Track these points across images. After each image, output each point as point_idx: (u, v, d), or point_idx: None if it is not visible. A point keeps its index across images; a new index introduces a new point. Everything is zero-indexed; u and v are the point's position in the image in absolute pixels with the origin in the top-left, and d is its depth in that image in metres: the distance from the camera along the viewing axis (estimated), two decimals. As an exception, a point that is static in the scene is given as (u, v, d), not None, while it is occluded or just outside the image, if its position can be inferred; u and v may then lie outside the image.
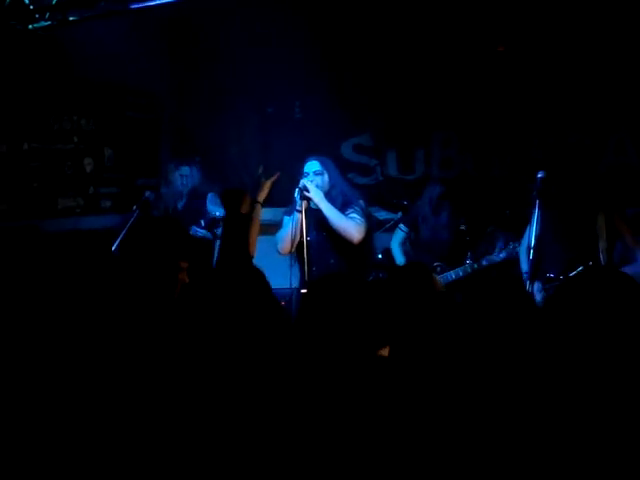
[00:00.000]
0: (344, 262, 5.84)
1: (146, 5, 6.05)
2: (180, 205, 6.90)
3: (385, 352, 2.94)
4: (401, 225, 6.78)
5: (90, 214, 7.89)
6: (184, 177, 6.87)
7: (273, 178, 5.63)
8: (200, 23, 7.84)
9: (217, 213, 6.57)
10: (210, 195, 6.76)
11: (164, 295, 3.24)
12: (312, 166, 5.94)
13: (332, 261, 5.82)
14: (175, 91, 8.71)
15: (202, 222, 6.60)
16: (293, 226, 5.72)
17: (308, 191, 5.69)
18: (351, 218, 5.79)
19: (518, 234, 6.11)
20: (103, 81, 7.84)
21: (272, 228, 7.31)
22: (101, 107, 7.96)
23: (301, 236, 5.69)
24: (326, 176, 5.93)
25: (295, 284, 5.90)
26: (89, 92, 7.80)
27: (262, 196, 5.34)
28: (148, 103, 8.49)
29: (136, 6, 6.11)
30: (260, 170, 5.29)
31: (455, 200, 6.51)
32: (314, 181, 5.82)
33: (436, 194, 6.56)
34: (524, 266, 5.71)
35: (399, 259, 6.67)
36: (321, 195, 5.74)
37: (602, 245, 5.54)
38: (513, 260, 6.09)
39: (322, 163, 5.97)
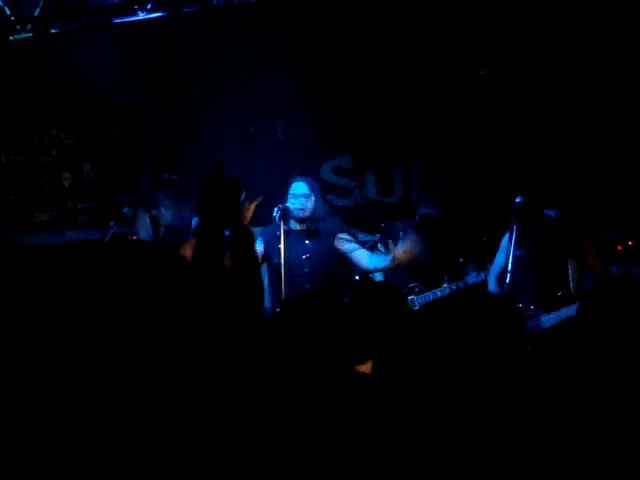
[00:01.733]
0: (321, 286, 5.82)
1: (129, 20, 6.03)
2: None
3: (366, 369, 2.94)
4: (379, 246, 6.78)
5: (67, 229, 7.84)
6: (155, 220, 6.73)
7: (256, 202, 5.57)
8: (183, 41, 7.84)
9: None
10: (195, 220, 6.65)
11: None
12: (300, 188, 5.89)
13: (307, 286, 5.78)
14: (157, 108, 8.70)
15: (189, 238, 6.51)
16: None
17: (348, 241, 5.77)
18: (355, 249, 5.89)
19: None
20: (84, 95, 7.82)
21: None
22: (81, 121, 7.93)
23: (278, 257, 5.66)
24: (313, 198, 5.91)
25: (270, 304, 5.88)
26: (69, 106, 7.78)
27: (247, 219, 5.30)
28: (129, 119, 8.47)
29: (119, 21, 6.09)
30: (242, 196, 5.25)
31: (448, 226, 6.56)
32: (303, 205, 5.80)
33: (432, 219, 6.60)
34: (493, 291, 5.71)
35: (378, 278, 6.66)
36: (354, 246, 5.83)
37: (572, 275, 5.55)
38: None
39: (309, 185, 5.94)
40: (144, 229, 6.58)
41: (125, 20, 6.10)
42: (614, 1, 6.75)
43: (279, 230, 5.67)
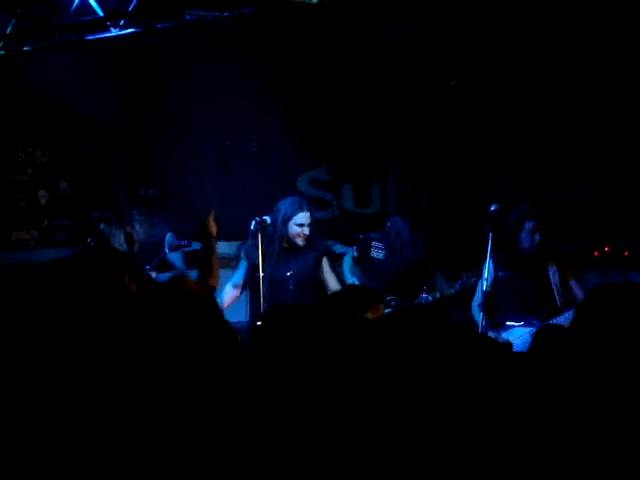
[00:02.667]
0: (300, 296, 5.82)
1: (102, 37, 6.04)
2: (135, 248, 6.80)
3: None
4: (352, 250, 6.74)
5: (44, 247, 7.81)
6: (130, 237, 6.70)
7: (212, 216, 5.55)
8: (157, 56, 7.85)
9: (170, 257, 6.51)
10: (169, 236, 6.62)
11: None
12: (306, 218, 5.86)
13: (291, 302, 5.77)
14: (131, 124, 8.70)
15: (166, 251, 6.49)
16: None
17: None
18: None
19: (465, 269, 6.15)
20: (58, 113, 7.81)
21: (228, 262, 7.30)
22: (55, 139, 7.91)
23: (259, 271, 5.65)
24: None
25: (249, 318, 5.87)
26: (43, 124, 7.76)
27: (214, 232, 5.32)
28: (103, 136, 8.46)
29: (91, 37, 6.09)
30: (212, 215, 5.29)
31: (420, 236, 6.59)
32: (308, 234, 5.84)
33: (402, 226, 6.60)
34: (479, 321, 5.67)
35: (349, 280, 6.61)
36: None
37: (557, 290, 5.58)
38: (465, 292, 6.11)
39: (312, 212, 5.95)
40: (118, 246, 6.56)
41: (98, 37, 6.10)
42: (580, 13, 6.81)
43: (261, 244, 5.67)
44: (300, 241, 5.81)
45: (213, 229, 5.20)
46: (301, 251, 5.85)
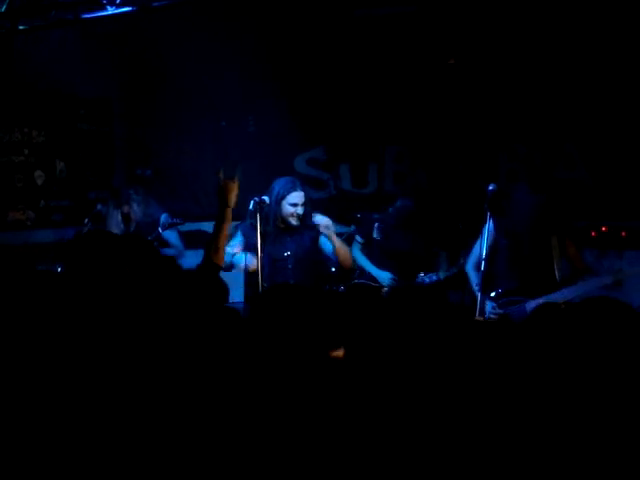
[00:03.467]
0: (304, 282, 5.82)
1: (97, 15, 6.01)
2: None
3: (340, 353, 2.96)
4: (357, 237, 6.77)
5: (41, 227, 7.79)
6: (127, 216, 6.68)
7: (235, 180, 5.39)
8: (154, 36, 7.81)
9: (165, 235, 6.51)
10: (163, 216, 6.59)
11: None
12: (299, 198, 5.83)
13: (291, 282, 5.77)
14: (129, 104, 8.66)
15: (159, 229, 6.47)
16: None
17: (329, 228, 5.76)
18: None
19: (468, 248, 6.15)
20: (54, 92, 7.77)
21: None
22: (52, 119, 7.88)
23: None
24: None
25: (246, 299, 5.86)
26: (39, 103, 7.72)
27: (232, 199, 5.11)
28: (100, 115, 8.43)
29: (87, 16, 6.06)
30: (221, 175, 5.09)
31: (423, 217, 6.60)
32: (301, 214, 5.80)
33: (405, 208, 6.62)
34: (474, 286, 5.70)
35: (365, 264, 6.63)
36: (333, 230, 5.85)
37: (557, 264, 5.58)
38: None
39: (305, 192, 5.92)
40: (116, 226, 6.55)
41: (94, 15, 6.07)
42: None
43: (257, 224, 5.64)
44: (294, 220, 5.78)
45: (231, 194, 4.98)
46: (297, 231, 5.84)
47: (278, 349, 2.60)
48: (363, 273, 6.65)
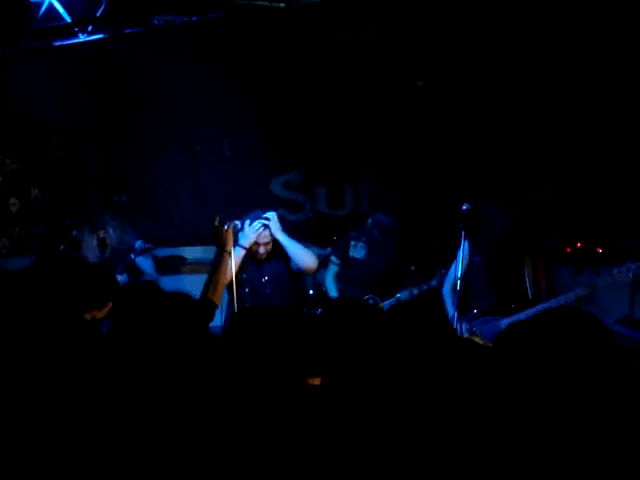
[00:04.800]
0: (278, 300, 5.78)
1: (70, 43, 6.00)
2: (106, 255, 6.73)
3: (316, 381, 2.95)
4: (332, 257, 6.76)
5: (16, 255, 7.74)
6: (102, 241, 6.63)
7: (231, 226, 5.48)
8: (127, 61, 7.82)
9: (138, 262, 6.46)
10: (138, 243, 6.54)
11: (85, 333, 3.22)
12: (264, 238, 5.74)
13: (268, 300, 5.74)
14: (103, 130, 8.64)
15: (132, 255, 6.43)
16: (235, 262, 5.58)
17: (269, 220, 5.62)
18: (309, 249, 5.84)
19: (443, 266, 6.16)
20: (27, 119, 7.74)
21: (202, 267, 7.25)
22: (26, 146, 7.85)
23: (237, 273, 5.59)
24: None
25: (224, 322, 5.84)
26: (13, 130, 7.70)
27: (229, 246, 5.23)
28: (74, 142, 8.40)
29: (60, 44, 6.05)
30: (217, 221, 5.20)
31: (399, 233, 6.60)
32: (267, 246, 5.73)
33: (384, 222, 6.62)
34: (449, 308, 5.70)
35: (333, 295, 6.65)
36: (280, 227, 5.69)
37: (530, 283, 5.60)
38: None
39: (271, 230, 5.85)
40: (91, 251, 6.50)
41: (66, 43, 6.07)
42: (548, 13, 6.85)
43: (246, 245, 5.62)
44: (260, 257, 5.73)
45: (229, 242, 5.08)
46: (273, 255, 5.82)
47: (251, 374, 2.59)
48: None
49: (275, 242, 5.72)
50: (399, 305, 6.14)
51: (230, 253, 5.22)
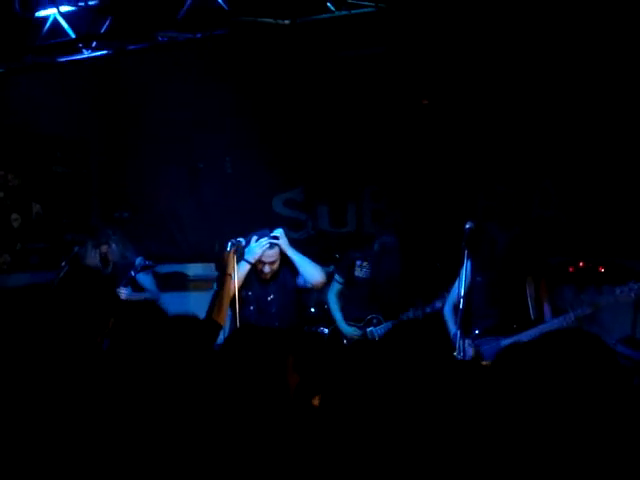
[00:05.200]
0: (282, 319, 5.78)
1: (73, 59, 6.00)
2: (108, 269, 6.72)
3: (316, 402, 2.94)
4: (336, 276, 6.74)
5: (18, 271, 7.72)
6: (105, 257, 6.62)
7: (234, 249, 5.52)
8: (131, 77, 7.83)
9: (139, 278, 6.46)
10: (138, 259, 6.54)
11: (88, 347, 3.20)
12: (268, 257, 5.75)
13: (276, 324, 5.72)
14: (106, 146, 8.66)
15: (132, 272, 6.41)
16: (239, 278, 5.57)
17: (277, 238, 5.64)
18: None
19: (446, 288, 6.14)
20: (30, 135, 7.75)
21: (203, 284, 7.24)
22: (27, 161, 7.86)
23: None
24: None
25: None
26: (15, 146, 7.70)
27: (230, 269, 5.27)
28: (76, 157, 8.41)
29: (64, 60, 6.06)
30: (217, 246, 5.28)
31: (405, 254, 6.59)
32: (274, 265, 5.74)
33: (390, 243, 6.61)
34: (451, 327, 5.66)
35: (335, 314, 6.62)
36: (288, 242, 5.72)
37: (532, 303, 5.58)
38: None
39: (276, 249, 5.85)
40: (93, 265, 6.48)
41: (70, 59, 6.07)
42: (548, 32, 6.87)
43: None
44: (265, 276, 5.74)
45: (230, 265, 5.16)
46: (277, 275, 5.81)
47: (244, 392, 2.59)
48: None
49: (281, 260, 5.72)
50: (401, 325, 6.11)
51: (232, 276, 5.25)
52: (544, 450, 2.17)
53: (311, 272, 5.73)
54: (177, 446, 2.52)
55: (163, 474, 2.45)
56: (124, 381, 2.85)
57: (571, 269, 7.20)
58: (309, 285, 5.81)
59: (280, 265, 5.76)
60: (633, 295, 5.22)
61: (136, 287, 6.46)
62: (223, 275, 5.08)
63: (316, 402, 3.02)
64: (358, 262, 6.62)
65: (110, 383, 2.87)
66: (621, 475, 2.12)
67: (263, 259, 5.66)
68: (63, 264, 6.67)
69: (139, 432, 2.59)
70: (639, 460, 2.13)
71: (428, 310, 6.28)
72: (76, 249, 6.78)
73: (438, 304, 6.19)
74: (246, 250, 5.59)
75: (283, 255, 5.73)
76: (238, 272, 5.40)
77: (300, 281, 5.77)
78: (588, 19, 6.55)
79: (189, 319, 3.19)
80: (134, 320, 3.33)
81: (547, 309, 5.60)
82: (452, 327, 5.63)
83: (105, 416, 2.67)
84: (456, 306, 5.48)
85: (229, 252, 5.28)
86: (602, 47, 6.88)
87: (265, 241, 5.57)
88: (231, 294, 5.28)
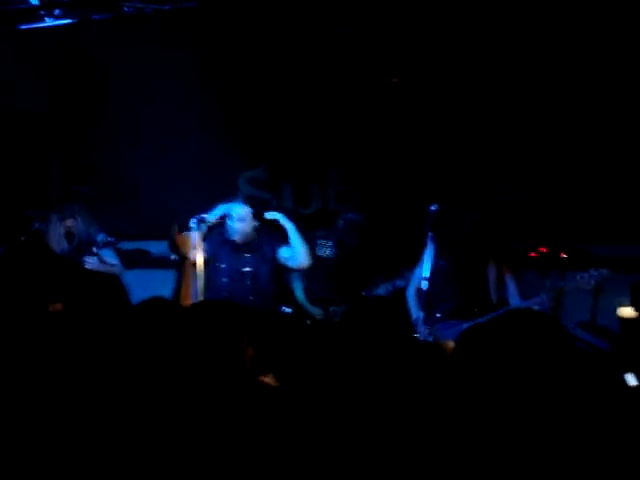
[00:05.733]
0: (264, 299, 5.78)
1: (34, 27, 5.88)
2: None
3: (270, 380, 2.93)
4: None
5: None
6: (69, 231, 6.50)
7: (195, 227, 5.47)
8: (95, 49, 7.71)
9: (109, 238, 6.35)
10: (101, 236, 6.43)
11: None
12: (240, 211, 5.77)
13: (251, 298, 5.72)
14: (67, 120, 8.50)
15: (94, 249, 6.29)
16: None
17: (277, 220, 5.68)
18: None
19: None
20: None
21: (168, 262, 7.16)
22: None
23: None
24: (252, 219, 5.81)
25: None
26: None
27: (188, 250, 5.20)
28: (38, 130, 8.25)
29: (25, 27, 5.94)
30: (175, 228, 5.16)
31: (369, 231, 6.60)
32: (243, 229, 5.71)
33: (354, 220, 6.61)
34: (414, 311, 5.69)
35: (298, 293, 6.60)
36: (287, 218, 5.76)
37: (493, 287, 5.60)
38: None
39: (248, 207, 5.85)
40: (57, 240, 6.32)
41: (31, 27, 5.95)
42: (516, 13, 6.89)
43: (221, 236, 5.59)
44: (240, 238, 5.74)
45: (185, 246, 5.08)
46: (257, 247, 5.80)
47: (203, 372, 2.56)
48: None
49: (260, 231, 5.73)
50: (361, 305, 6.12)
51: (193, 261, 5.17)
52: (503, 431, 2.17)
53: (303, 254, 5.79)
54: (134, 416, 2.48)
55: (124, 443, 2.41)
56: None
57: (533, 254, 7.24)
58: (294, 266, 5.85)
59: (259, 235, 5.75)
60: (593, 282, 5.28)
61: (101, 261, 6.36)
62: (182, 260, 4.97)
63: (267, 380, 3.00)
64: (320, 241, 6.61)
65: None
66: (580, 455, 2.12)
67: (238, 216, 5.67)
68: (22, 239, 6.55)
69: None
70: (596, 439, 2.14)
71: (393, 287, 6.29)
72: (36, 225, 6.65)
73: (400, 282, 6.21)
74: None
75: (263, 225, 5.74)
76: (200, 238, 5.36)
77: (285, 259, 5.79)
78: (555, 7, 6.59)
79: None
80: (98, 299, 3.29)
81: (509, 292, 5.63)
82: (414, 311, 5.65)
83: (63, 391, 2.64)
84: (419, 290, 5.51)
85: (190, 232, 5.18)
86: (564, 33, 6.92)
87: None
88: (196, 281, 5.23)
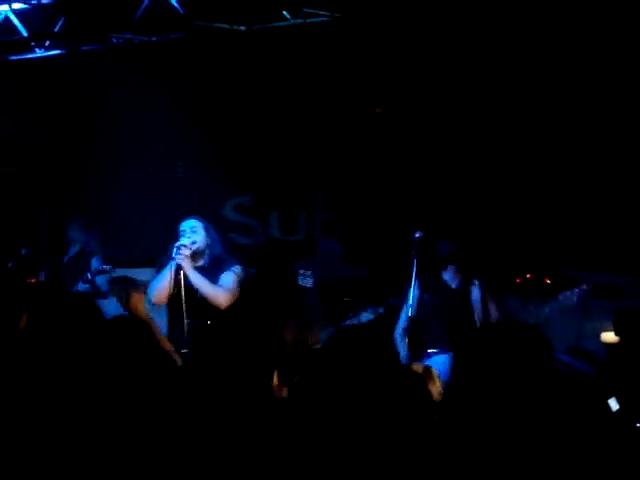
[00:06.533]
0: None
1: (25, 57, 5.94)
2: (65, 258, 6.68)
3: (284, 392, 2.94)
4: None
5: (-38, 273, 7.57)
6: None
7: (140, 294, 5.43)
8: (84, 79, 7.76)
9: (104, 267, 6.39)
10: (94, 259, 6.48)
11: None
12: (188, 223, 5.71)
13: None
14: (57, 149, 8.54)
15: (88, 275, 6.35)
16: (170, 277, 5.44)
17: (181, 253, 5.45)
18: (220, 286, 5.58)
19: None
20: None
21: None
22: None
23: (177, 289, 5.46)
24: (203, 233, 5.72)
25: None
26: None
27: (141, 311, 5.19)
28: (28, 159, 8.28)
29: (15, 58, 5.99)
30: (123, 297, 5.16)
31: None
32: (190, 237, 5.61)
33: (328, 249, 6.63)
34: (401, 350, 5.63)
35: None
36: (189, 265, 5.49)
37: (477, 315, 5.63)
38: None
39: (198, 221, 5.79)
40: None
41: (22, 57, 6.01)
42: (499, 47, 6.97)
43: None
44: (179, 256, 5.57)
45: (139, 308, 5.01)
46: (210, 271, 5.68)
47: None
48: None
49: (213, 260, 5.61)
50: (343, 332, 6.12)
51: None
52: (486, 443, 2.21)
53: (210, 297, 5.50)
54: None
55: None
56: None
57: (518, 280, 7.28)
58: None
59: (222, 262, 5.63)
60: (575, 299, 5.29)
61: (94, 289, 6.42)
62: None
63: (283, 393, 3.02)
64: (301, 271, 6.61)
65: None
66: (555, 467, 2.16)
67: (182, 228, 5.57)
68: (9, 265, 6.59)
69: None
70: (572, 454, 2.18)
71: (379, 312, 6.30)
72: (23, 252, 6.69)
73: (381, 310, 6.23)
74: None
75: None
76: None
77: None
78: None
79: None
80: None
81: (492, 310, 5.66)
82: (402, 351, 5.63)
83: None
84: (406, 329, 5.50)
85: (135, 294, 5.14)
86: (546, 63, 7.00)
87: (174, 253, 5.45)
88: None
